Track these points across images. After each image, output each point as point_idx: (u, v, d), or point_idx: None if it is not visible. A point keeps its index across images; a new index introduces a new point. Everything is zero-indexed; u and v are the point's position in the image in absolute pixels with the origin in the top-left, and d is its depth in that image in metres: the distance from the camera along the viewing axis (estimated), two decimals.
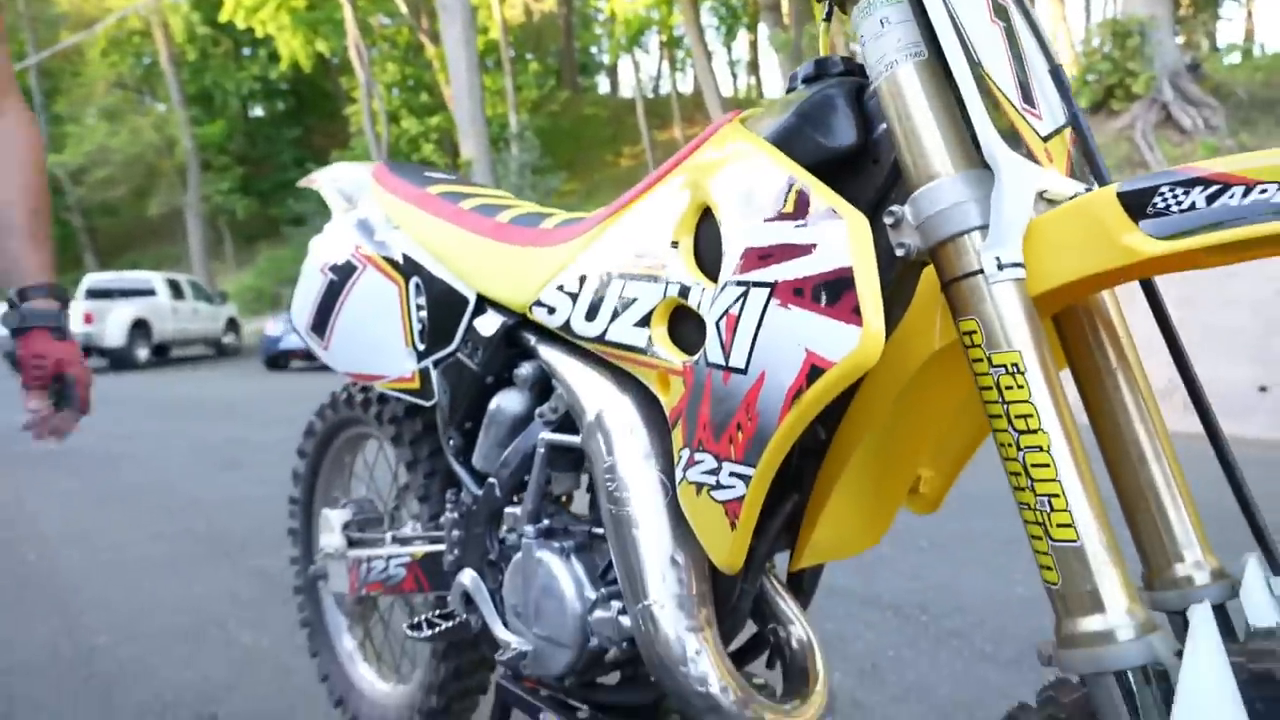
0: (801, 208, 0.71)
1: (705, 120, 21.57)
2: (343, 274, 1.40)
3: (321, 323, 1.46)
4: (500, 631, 1.09)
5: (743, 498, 0.76)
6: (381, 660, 1.74)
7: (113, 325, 13.83)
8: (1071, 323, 0.78)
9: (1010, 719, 0.74)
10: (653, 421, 0.94)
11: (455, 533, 1.22)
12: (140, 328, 14.36)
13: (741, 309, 0.75)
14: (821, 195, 0.71)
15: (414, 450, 1.42)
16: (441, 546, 1.29)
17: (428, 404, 1.29)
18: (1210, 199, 0.59)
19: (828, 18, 0.94)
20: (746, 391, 0.74)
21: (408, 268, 1.30)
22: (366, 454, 1.76)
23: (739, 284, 0.76)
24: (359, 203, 1.45)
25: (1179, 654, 0.59)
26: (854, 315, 0.65)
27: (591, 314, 0.98)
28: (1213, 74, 10.04)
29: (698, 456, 0.81)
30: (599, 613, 0.96)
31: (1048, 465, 0.62)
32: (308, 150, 28.52)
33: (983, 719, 1.83)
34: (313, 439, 1.74)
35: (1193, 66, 9.58)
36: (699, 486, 0.82)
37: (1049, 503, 0.62)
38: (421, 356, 1.28)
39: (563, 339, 1.06)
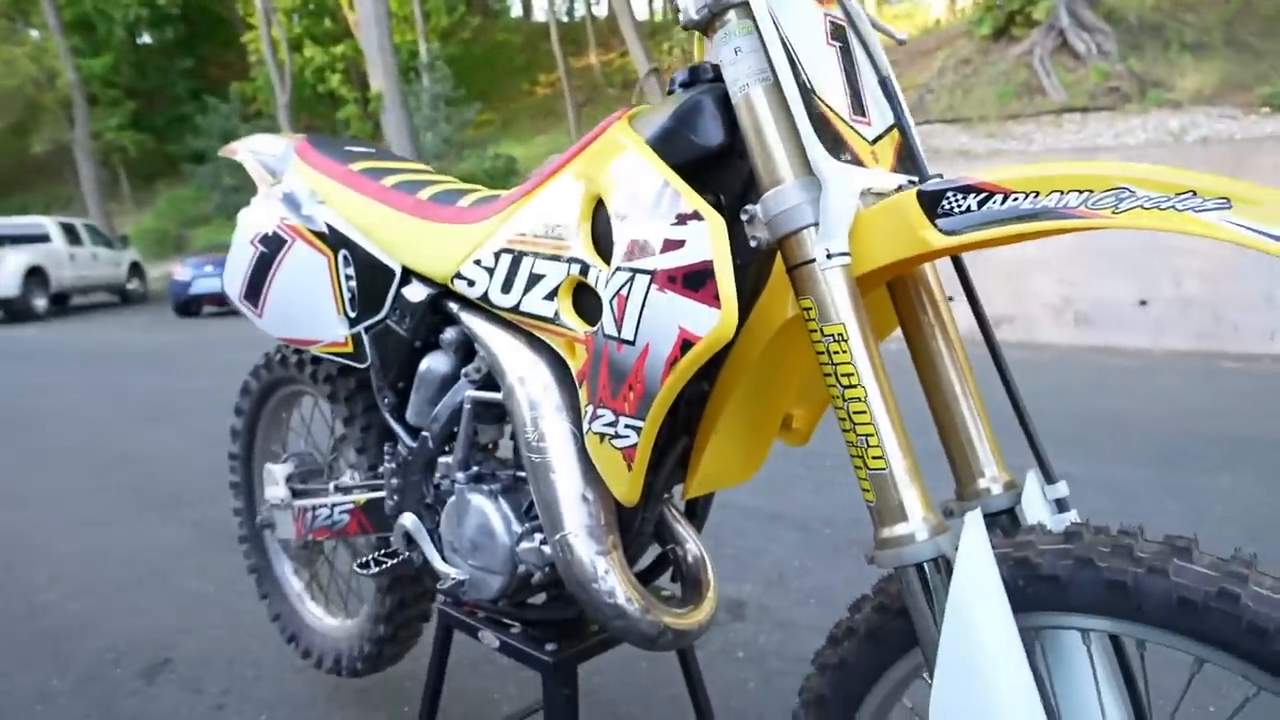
0: (673, 209, 0.86)
1: (621, 45, 21.22)
2: (273, 246, 1.49)
3: (255, 292, 1.55)
4: (439, 565, 1.25)
5: (636, 445, 0.93)
6: (329, 598, 1.89)
7: (5, 274, 13.15)
8: (900, 288, 0.96)
9: (854, 608, 0.95)
10: (563, 381, 1.09)
11: (394, 481, 1.36)
12: (35, 275, 13.68)
13: (629, 290, 0.90)
14: (689, 199, 0.86)
15: (349, 407, 1.55)
16: (382, 493, 1.44)
17: (361, 366, 1.41)
18: (980, 203, 0.77)
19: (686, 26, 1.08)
20: (635, 359, 0.90)
21: (335, 240, 1.40)
22: (302, 410, 1.88)
23: (627, 270, 0.91)
24: (283, 176, 1.54)
25: None
26: (714, 300, 0.81)
27: (506, 287, 1.12)
28: None
29: (599, 411, 0.98)
30: (525, 544, 1.13)
31: (864, 412, 0.80)
32: (203, 81, 26.95)
33: None
34: (249, 397, 1.85)
35: None
36: (601, 436, 0.98)
37: (866, 441, 0.80)
38: (353, 323, 1.40)
39: (482, 308, 1.20)
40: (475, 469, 1.22)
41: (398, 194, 1.35)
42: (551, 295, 1.05)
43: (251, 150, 1.62)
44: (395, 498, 1.36)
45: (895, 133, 0.92)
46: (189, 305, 12.78)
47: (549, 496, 1.05)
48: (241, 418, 1.87)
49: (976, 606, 0.76)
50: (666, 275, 0.86)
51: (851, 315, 0.81)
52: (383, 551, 1.33)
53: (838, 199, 0.81)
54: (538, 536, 1.12)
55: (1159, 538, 0.78)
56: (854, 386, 0.81)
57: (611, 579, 1.00)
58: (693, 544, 1.14)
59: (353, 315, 1.39)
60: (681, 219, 0.86)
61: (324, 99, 24.81)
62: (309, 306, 1.47)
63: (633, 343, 0.90)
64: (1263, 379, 4.98)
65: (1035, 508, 0.92)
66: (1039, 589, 0.78)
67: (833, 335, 0.81)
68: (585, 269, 0.99)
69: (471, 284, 1.18)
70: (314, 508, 1.56)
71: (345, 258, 1.39)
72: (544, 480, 1.05)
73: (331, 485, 1.55)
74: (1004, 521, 0.92)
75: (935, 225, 0.79)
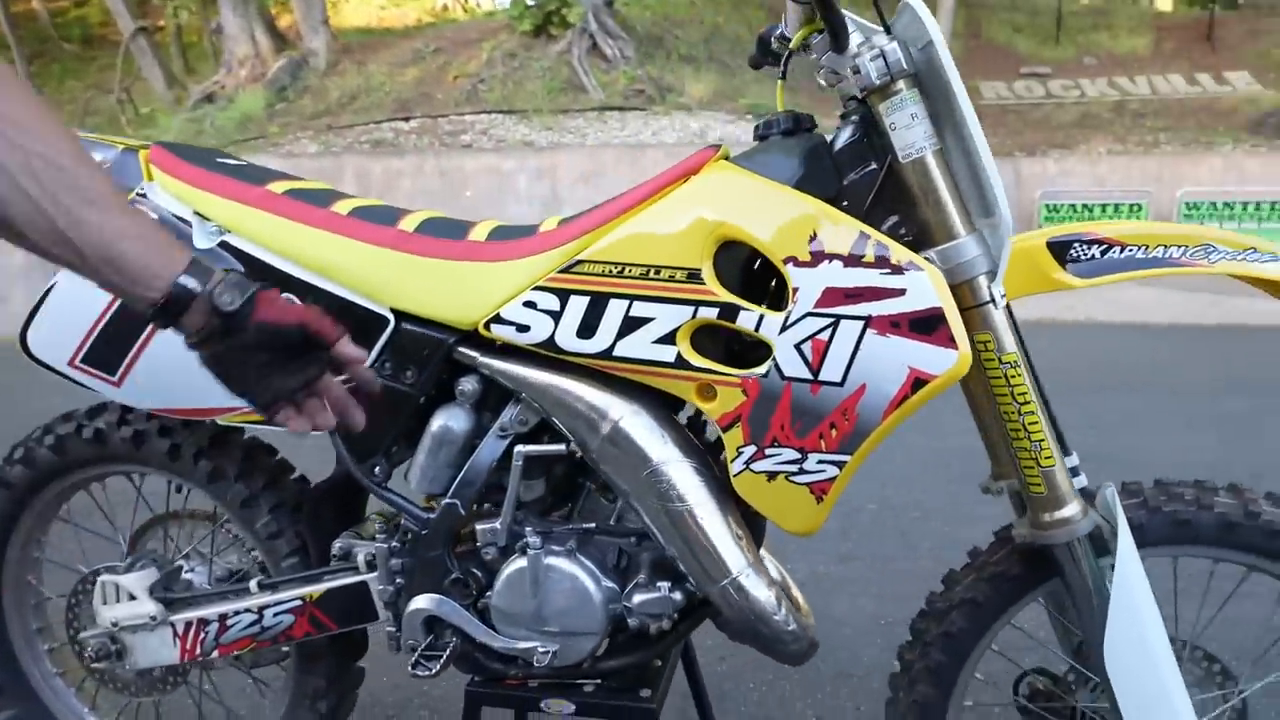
0: (883, 260, 0.94)
1: None
2: None
3: (107, 356, 1.16)
4: (500, 641, 1.13)
5: (834, 478, 0.99)
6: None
7: None
8: None
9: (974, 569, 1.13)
10: (671, 424, 1.08)
11: (396, 562, 1.17)
12: None
13: (832, 335, 0.95)
14: (897, 250, 0.94)
15: (274, 494, 1.27)
16: (346, 580, 1.21)
17: (318, 432, 1.17)
18: (1103, 253, 1.00)
19: (783, 77, 1.14)
20: (844, 399, 0.96)
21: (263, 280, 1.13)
22: (107, 495, 1.43)
23: (825, 315, 0.95)
24: (134, 195, 1.17)
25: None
26: (950, 341, 0.92)
27: (587, 331, 1.06)
28: (623, 10, 11.77)
29: (770, 451, 1.01)
30: (639, 596, 1.09)
31: (1037, 423, 0.99)
32: None
33: None
34: (8, 490, 1.35)
35: (608, 2, 11.11)
36: (772, 474, 1.01)
37: (1040, 446, 0.99)
38: None
39: (528, 354, 1.10)
40: (547, 531, 1.12)
41: (371, 227, 1.14)
42: (667, 339, 1.03)
43: None
44: (398, 580, 1.17)
45: None
46: None
47: (702, 543, 1.04)
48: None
49: (1130, 560, 1.00)
50: (889, 321, 0.93)
51: (1018, 345, 0.99)
52: (427, 646, 1.14)
53: (1006, 252, 0.97)
54: (662, 586, 1.09)
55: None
56: (1028, 403, 0.99)
57: (784, 609, 1.04)
58: (770, 559, 1.21)
59: None
60: (896, 269, 0.94)
61: None
62: None
63: (840, 384, 0.96)
64: None
65: None
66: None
67: (1009, 363, 0.98)
68: (728, 312, 1.00)
69: (523, 329, 1.08)
70: (221, 617, 1.24)
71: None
72: (691, 528, 1.04)
73: (253, 584, 1.24)
74: None
75: (1065, 269, 1.01)
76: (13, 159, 0.69)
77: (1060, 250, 1.02)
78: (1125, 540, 1.00)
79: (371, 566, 1.20)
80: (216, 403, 1.14)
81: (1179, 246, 1.00)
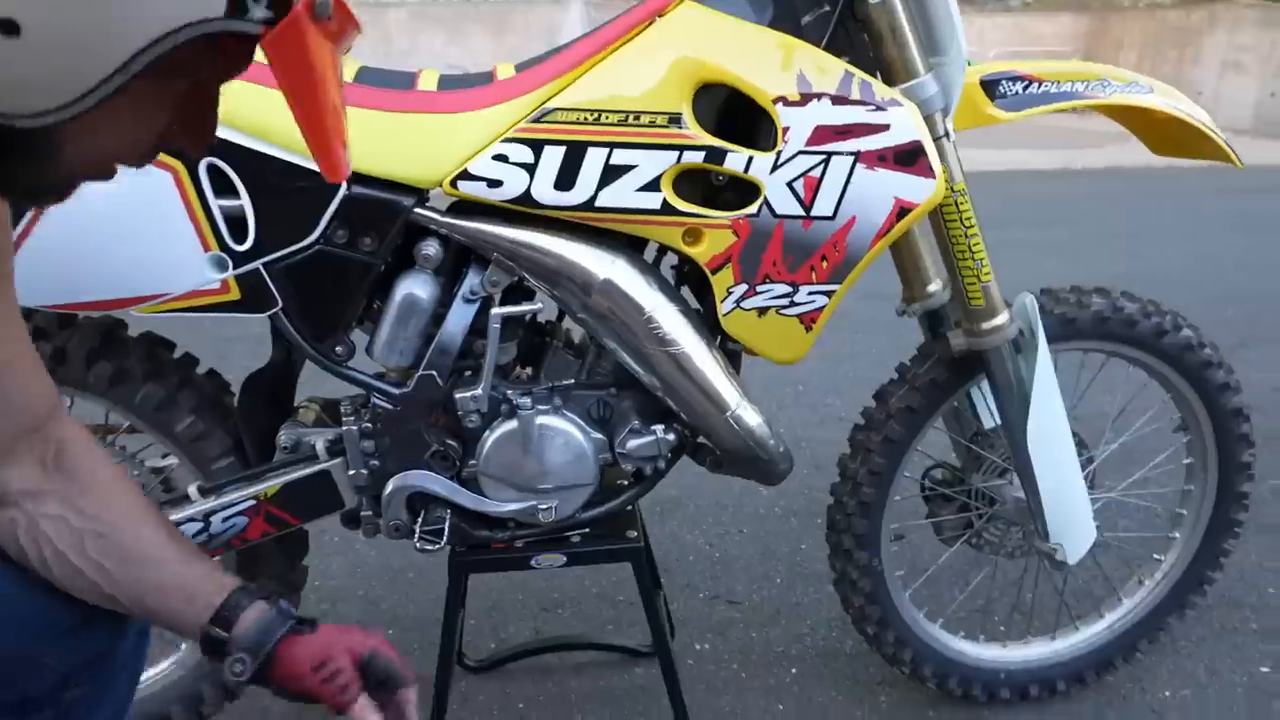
0: (868, 95, 0.99)
1: None
2: None
3: None
4: (492, 505, 1.12)
5: (823, 308, 1.06)
6: None
7: None
8: None
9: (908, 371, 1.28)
10: (652, 270, 1.09)
11: (369, 443, 1.10)
12: None
13: (824, 171, 1.00)
14: (879, 87, 1.00)
15: (192, 393, 1.13)
16: (305, 471, 1.13)
17: (261, 314, 1.05)
18: (1024, 89, 1.13)
19: None
20: (834, 231, 1.02)
21: None
22: None
23: (814, 153, 1.00)
24: None
25: None
26: (929, 171, 1.00)
27: (565, 183, 1.03)
28: None
29: (762, 288, 1.06)
30: (635, 441, 1.12)
31: (980, 245, 1.12)
32: None
33: None
34: None
35: None
36: (763, 310, 1.07)
37: (980, 264, 1.13)
38: (243, 258, 1.02)
39: (495, 212, 1.05)
40: (527, 392, 1.11)
41: None
42: (651, 186, 1.03)
43: None
44: (372, 463, 1.11)
45: None
46: None
47: (699, 383, 1.08)
48: None
49: (1046, 357, 1.18)
50: (875, 155, 1.00)
51: (961, 173, 1.10)
52: (421, 525, 1.10)
53: (958, 89, 1.07)
54: (656, 429, 1.12)
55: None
56: (972, 226, 1.12)
57: (775, 434, 1.12)
58: None
59: (241, 248, 1.02)
60: (879, 106, 0.99)
61: None
62: (133, 250, 1.00)
63: (831, 218, 1.02)
64: None
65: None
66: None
67: (960, 191, 1.09)
68: (714, 155, 1.02)
69: (495, 184, 1.03)
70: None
71: (214, 169, 0.99)
72: (687, 370, 1.07)
73: (192, 490, 1.11)
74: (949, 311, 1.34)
75: (995, 104, 1.13)
76: (67, 547, 0.73)
77: (990, 87, 1.13)
78: (1042, 341, 1.18)
79: (333, 453, 1.13)
80: (146, 289, 0.99)
81: (1084, 81, 1.14)
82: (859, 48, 1.09)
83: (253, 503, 1.13)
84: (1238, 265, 4.15)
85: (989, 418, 1.37)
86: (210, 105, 0.59)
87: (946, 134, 1.07)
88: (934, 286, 1.31)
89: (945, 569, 1.64)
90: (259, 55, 0.51)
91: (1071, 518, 1.27)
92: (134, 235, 0.99)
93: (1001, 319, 1.17)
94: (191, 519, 1.11)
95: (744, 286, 1.06)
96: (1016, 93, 1.13)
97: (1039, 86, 1.13)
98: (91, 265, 0.99)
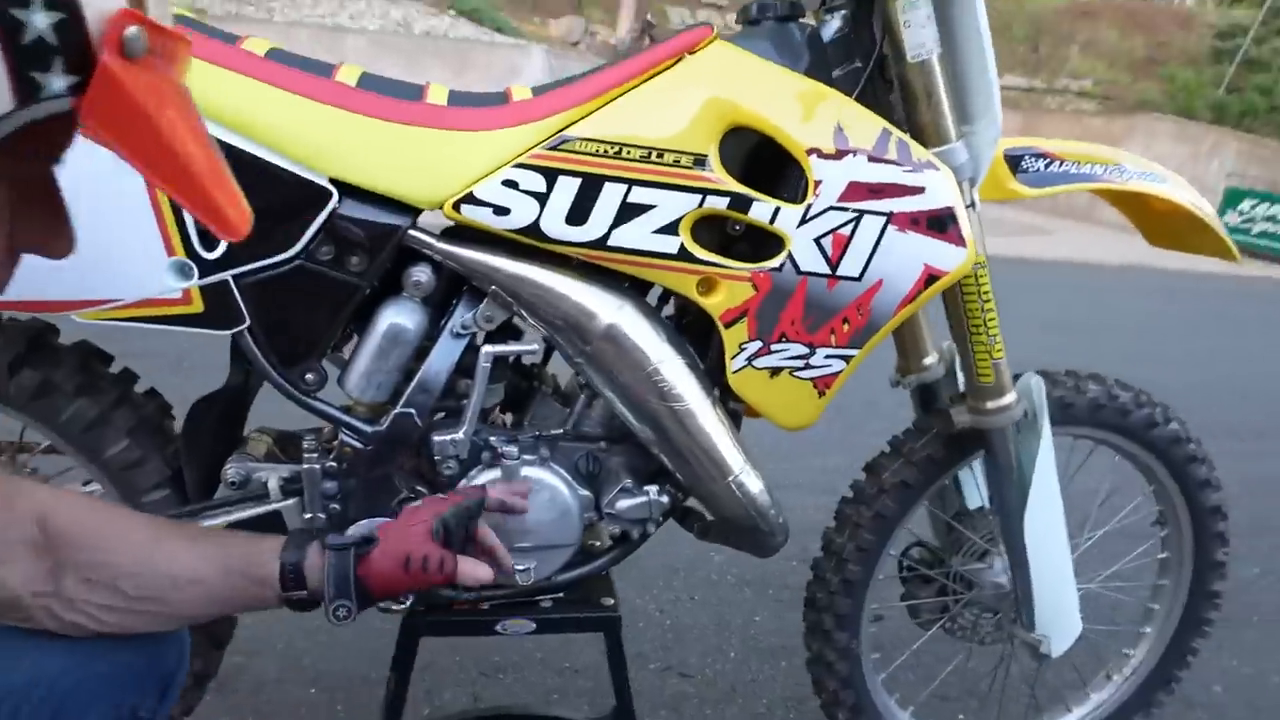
0: (905, 156, 0.95)
1: None
2: None
3: None
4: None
5: (839, 373, 1.00)
6: None
7: None
8: None
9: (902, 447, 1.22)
10: (660, 320, 1.02)
11: (332, 484, 0.99)
12: None
13: (854, 230, 0.95)
14: (916, 148, 0.96)
15: (129, 413, 0.99)
16: (253, 511, 1.01)
17: (224, 331, 0.94)
18: (1046, 165, 1.11)
19: None
20: (860, 294, 0.97)
21: None
22: None
23: (846, 210, 0.95)
24: None
25: None
26: (960, 240, 0.96)
27: (578, 217, 0.96)
28: None
29: (777, 347, 0.99)
30: (625, 502, 1.03)
31: (995, 320, 1.08)
32: None
33: None
34: None
35: None
36: (774, 370, 1.00)
37: (994, 339, 1.09)
38: (209, 268, 0.91)
39: (497, 241, 0.97)
40: (513, 439, 1.01)
41: (290, 71, 0.92)
42: (669, 229, 0.97)
43: None
44: (332, 506, 0.99)
45: None
46: None
47: (702, 444, 1.00)
48: None
49: (1049, 441, 1.15)
50: (909, 218, 0.95)
51: (983, 245, 1.07)
52: None
53: (987, 159, 1.04)
54: (651, 490, 1.04)
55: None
56: (989, 301, 1.08)
57: (776, 503, 1.05)
58: None
59: (208, 256, 0.91)
60: (916, 167, 0.95)
61: None
62: (83, 245, 0.87)
63: (858, 279, 0.96)
64: None
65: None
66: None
67: (980, 264, 1.06)
68: (739, 202, 0.96)
69: (503, 212, 0.95)
70: None
71: None
72: (690, 428, 1.00)
73: None
74: (942, 385, 1.31)
75: (1018, 178, 1.10)
76: (107, 600, 0.70)
77: (1014, 161, 1.11)
78: (1046, 425, 1.14)
79: (288, 492, 1.00)
80: (99, 293, 0.86)
81: (1102, 165, 1.13)
82: (884, 106, 1.05)
83: None
84: (1131, 360, 4.33)
85: (975, 498, 1.33)
86: (53, 192, 0.49)
87: (973, 204, 1.03)
88: (930, 359, 1.28)
89: (917, 653, 1.58)
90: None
91: (1060, 609, 1.23)
92: (87, 229, 0.86)
93: (1009, 398, 1.13)
94: None
95: (758, 344, 1.00)
96: (1039, 169, 1.11)
97: (1060, 165, 1.12)
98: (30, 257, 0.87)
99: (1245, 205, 11.37)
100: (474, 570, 0.82)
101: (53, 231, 0.50)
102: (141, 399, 1.06)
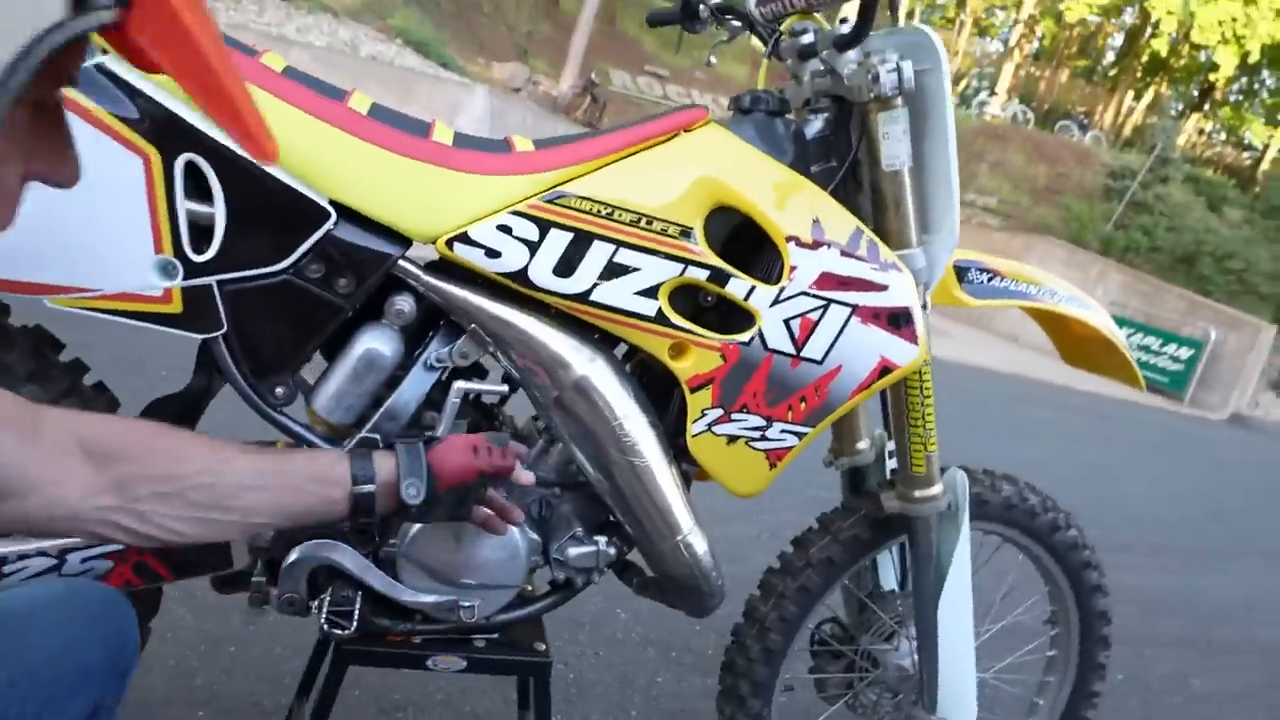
0: (873, 255, 1.03)
1: None
2: None
3: None
4: (408, 594, 1.00)
5: (791, 447, 1.06)
6: None
7: None
8: None
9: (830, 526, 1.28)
10: (629, 377, 1.06)
11: None
12: None
13: (821, 317, 1.02)
14: (884, 249, 1.04)
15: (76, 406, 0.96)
16: None
17: (198, 335, 0.93)
18: (988, 280, 1.22)
19: (770, 55, 1.17)
20: (819, 376, 1.03)
21: (172, 136, 0.87)
22: None
23: (816, 297, 1.02)
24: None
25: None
26: (914, 338, 1.05)
27: (565, 270, 1.00)
28: None
29: (737, 416, 1.04)
30: (575, 550, 1.05)
31: (932, 417, 1.17)
32: None
33: None
34: None
35: None
36: (732, 438, 1.05)
37: (930, 433, 1.17)
38: (197, 270, 0.90)
39: (483, 282, 1.00)
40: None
41: (303, 90, 0.94)
42: (649, 293, 1.02)
43: None
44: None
45: None
46: None
47: (655, 500, 1.04)
48: None
49: (967, 532, 1.23)
50: (871, 312, 1.03)
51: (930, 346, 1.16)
52: (330, 604, 0.96)
53: (941, 267, 1.14)
54: (599, 540, 1.06)
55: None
56: (929, 397, 1.16)
57: (717, 565, 1.09)
58: None
59: (196, 258, 0.91)
60: (883, 266, 1.03)
61: None
62: (68, 230, 0.86)
63: (819, 362, 1.03)
64: None
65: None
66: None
67: (925, 361, 1.14)
68: (717, 276, 1.02)
69: (494, 255, 0.99)
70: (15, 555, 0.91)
71: (193, 167, 0.89)
72: (646, 484, 1.03)
73: None
74: (871, 470, 1.39)
75: (963, 287, 1.21)
76: (180, 511, 0.72)
77: (961, 272, 1.21)
78: (965, 518, 1.23)
79: None
80: (79, 281, 0.85)
81: (1036, 286, 1.25)
82: (853, 205, 1.13)
83: (124, 547, 0.96)
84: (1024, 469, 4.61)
85: (889, 580, 1.40)
86: (62, 118, 0.50)
87: (925, 305, 1.12)
88: (863, 444, 1.35)
89: None
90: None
91: (961, 695, 1.30)
92: (76, 214, 0.86)
93: (937, 489, 1.21)
94: (43, 553, 0.93)
95: (719, 411, 1.05)
96: (982, 282, 1.22)
97: (1001, 281, 1.23)
98: (11, 234, 0.84)
99: (1123, 334, 12.32)
100: (522, 472, 0.93)
101: (61, 158, 0.50)
102: (90, 392, 1.02)
